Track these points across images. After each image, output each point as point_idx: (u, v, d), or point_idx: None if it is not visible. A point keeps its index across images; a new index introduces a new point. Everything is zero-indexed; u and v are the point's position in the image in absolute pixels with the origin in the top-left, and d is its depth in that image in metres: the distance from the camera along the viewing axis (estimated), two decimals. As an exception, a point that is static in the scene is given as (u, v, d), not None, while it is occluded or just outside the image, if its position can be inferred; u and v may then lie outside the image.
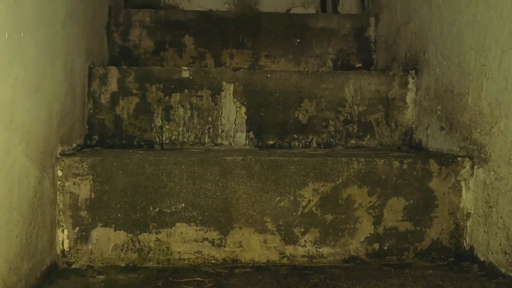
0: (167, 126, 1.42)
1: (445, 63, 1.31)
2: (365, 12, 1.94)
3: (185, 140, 1.42)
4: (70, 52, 1.19)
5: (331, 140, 1.46)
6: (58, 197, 1.10)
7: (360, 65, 1.79)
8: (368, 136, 1.47)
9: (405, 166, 1.18)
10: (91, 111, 1.40)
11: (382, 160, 1.18)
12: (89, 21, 1.40)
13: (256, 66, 1.76)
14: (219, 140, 1.44)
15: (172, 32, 1.75)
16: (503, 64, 1.06)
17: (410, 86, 1.48)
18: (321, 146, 1.46)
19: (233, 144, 1.44)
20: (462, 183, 1.19)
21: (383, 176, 1.18)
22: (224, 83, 1.43)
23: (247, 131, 1.44)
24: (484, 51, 1.13)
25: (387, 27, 1.70)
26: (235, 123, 1.44)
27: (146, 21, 1.74)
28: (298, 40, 1.77)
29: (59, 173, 1.11)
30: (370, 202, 1.18)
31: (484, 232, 1.13)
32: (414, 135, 1.47)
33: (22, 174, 0.89)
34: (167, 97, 1.42)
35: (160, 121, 1.42)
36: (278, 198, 1.16)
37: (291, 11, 2.16)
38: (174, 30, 1.75)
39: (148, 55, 1.74)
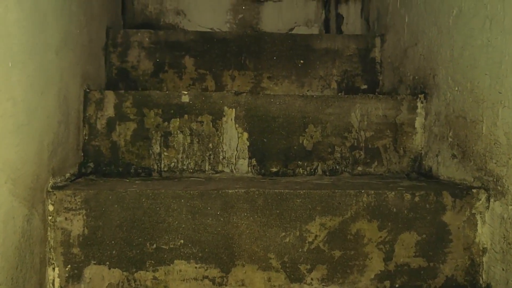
0: (166, 153, 1.36)
1: (456, 88, 1.25)
2: (370, 33, 1.89)
3: (185, 167, 1.36)
4: (65, 79, 1.13)
5: (337, 167, 1.40)
6: (48, 233, 1.04)
7: (365, 86, 1.73)
8: (376, 163, 1.41)
9: (417, 199, 1.12)
10: (86, 138, 1.34)
11: (393, 193, 1.11)
12: (86, 44, 1.34)
13: (258, 88, 1.70)
14: (220, 168, 1.37)
15: (172, 53, 1.70)
16: (521, 93, 1.00)
17: (419, 110, 1.42)
18: (327, 173, 1.40)
19: (234, 172, 1.38)
20: (478, 217, 1.13)
21: (394, 210, 1.11)
22: (225, 108, 1.37)
23: (250, 158, 1.38)
24: (499, 77, 1.07)
25: (394, 48, 1.65)
26: (237, 150, 1.38)
27: (145, 42, 1.69)
28: (301, 61, 1.71)
29: (50, 207, 1.04)
30: (381, 237, 1.11)
31: (503, 269, 1.06)
32: (424, 162, 1.41)
33: (9, 215, 0.83)
34: (166, 123, 1.36)
35: (159, 147, 1.36)
36: (283, 234, 1.10)
37: (294, 31, 2.11)
38: (173, 51, 1.70)
39: (147, 77, 1.69)
